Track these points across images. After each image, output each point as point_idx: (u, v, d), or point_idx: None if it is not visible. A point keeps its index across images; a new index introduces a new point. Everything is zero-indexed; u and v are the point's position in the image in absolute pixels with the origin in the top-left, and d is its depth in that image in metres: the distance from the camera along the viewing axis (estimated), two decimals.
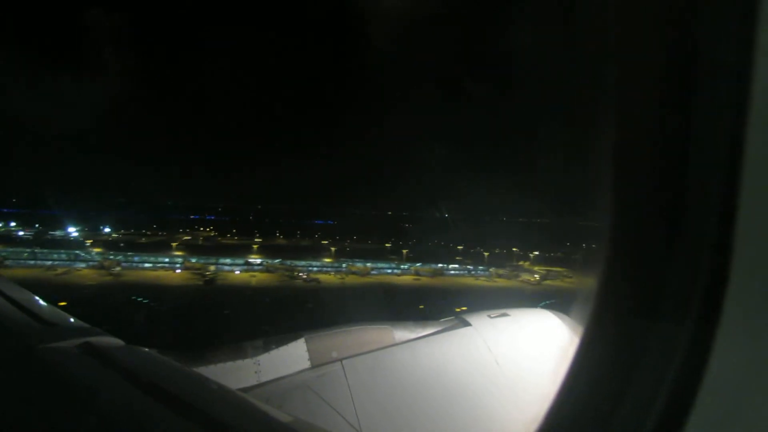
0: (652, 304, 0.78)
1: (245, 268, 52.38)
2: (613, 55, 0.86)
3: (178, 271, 48.41)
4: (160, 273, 47.97)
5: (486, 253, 63.98)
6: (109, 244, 56.20)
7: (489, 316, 2.70)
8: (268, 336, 2.48)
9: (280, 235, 71.42)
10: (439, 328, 2.65)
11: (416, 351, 2.44)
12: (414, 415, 2.16)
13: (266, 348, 2.37)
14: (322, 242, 67.32)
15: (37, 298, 2.24)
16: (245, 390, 2.18)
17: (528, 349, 2.47)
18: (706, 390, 0.67)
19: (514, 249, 65.90)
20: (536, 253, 64.33)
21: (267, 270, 52.67)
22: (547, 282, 54.17)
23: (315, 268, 55.87)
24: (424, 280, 55.51)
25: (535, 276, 56.53)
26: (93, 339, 1.51)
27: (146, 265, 49.45)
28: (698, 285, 0.71)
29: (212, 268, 48.70)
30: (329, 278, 53.78)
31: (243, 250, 59.15)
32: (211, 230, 68.82)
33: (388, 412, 2.17)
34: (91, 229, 59.90)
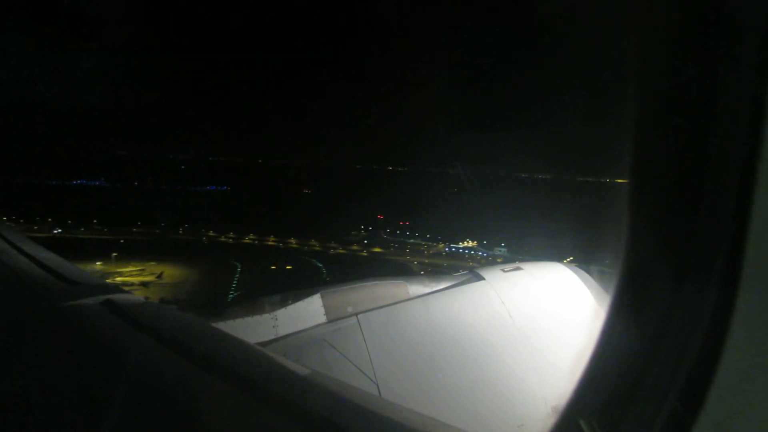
0: (677, 269, 0.79)
1: None
2: (634, 17, 0.83)
3: None
4: None
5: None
6: None
7: (503, 270, 2.71)
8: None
9: None
10: (452, 283, 2.68)
11: (430, 305, 2.48)
12: (428, 366, 2.22)
13: (283, 303, 2.42)
14: None
15: (60, 258, 2.32)
16: (263, 344, 2.25)
17: (541, 302, 2.50)
18: (728, 354, 0.69)
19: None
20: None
21: None
22: None
23: None
24: None
25: None
26: (114, 296, 1.55)
27: None
28: (721, 250, 0.72)
29: None
30: None
31: None
32: None
33: (403, 364, 2.22)
34: None
